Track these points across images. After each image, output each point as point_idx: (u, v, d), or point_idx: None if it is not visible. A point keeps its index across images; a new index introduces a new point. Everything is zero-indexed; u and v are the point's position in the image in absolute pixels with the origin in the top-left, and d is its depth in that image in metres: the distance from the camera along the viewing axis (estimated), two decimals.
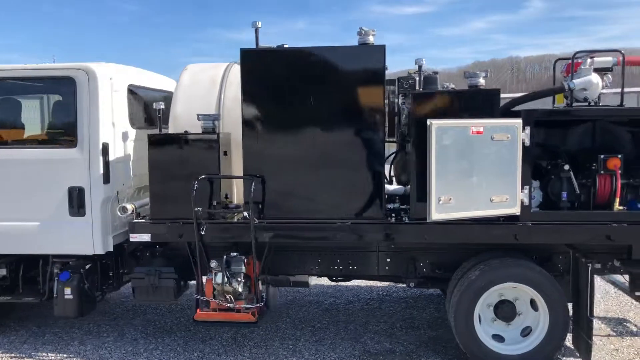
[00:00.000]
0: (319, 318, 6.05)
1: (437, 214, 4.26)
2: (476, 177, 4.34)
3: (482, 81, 4.70)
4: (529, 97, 4.92)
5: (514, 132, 4.38)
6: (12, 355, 5.15)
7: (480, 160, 4.33)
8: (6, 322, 5.80)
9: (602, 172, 4.61)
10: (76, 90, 4.98)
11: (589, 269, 4.45)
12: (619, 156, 4.60)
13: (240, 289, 4.82)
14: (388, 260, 5.15)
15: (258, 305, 4.87)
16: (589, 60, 4.81)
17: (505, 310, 4.81)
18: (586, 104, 4.82)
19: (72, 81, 4.99)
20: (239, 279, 4.81)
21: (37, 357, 5.11)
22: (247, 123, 4.72)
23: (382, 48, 4.58)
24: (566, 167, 4.66)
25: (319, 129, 4.67)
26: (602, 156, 4.62)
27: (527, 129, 4.44)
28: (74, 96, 4.99)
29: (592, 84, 4.73)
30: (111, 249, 5.11)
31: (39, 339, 5.52)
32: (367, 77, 4.61)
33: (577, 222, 4.56)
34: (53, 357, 5.11)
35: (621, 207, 4.54)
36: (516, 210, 4.47)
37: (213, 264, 4.80)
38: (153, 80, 5.85)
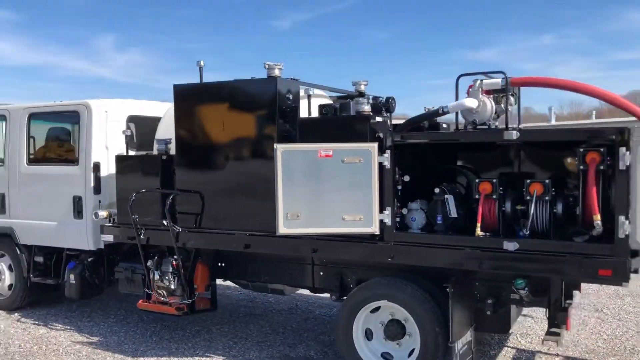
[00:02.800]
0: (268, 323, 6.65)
1: (284, 228, 4.70)
2: (326, 197, 4.66)
3: (366, 108, 4.96)
4: (417, 119, 5.03)
5: (368, 155, 4.60)
6: (69, 327, 6.70)
7: (330, 181, 4.64)
8: (62, 300, 7.43)
9: (476, 196, 4.54)
10: (79, 120, 6.45)
11: (449, 292, 4.45)
12: (494, 180, 4.49)
13: (172, 286, 5.73)
14: (321, 273, 5.53)
15: (184, 302, 5.71)
16: (477, 82, 4.76)
17: (390, 329, 4.95)
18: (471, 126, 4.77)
19: (77, 114, 6.47)
20: (168, 278, 5.72)
21: (75, 327, 6.63)
22: (178, 147, 5.64)
23: (273, 80, 5.14)
24: (436, 190, 4.69)
25: (230, 153, 5.37)
26: (477, 180, 4.56)
27: (387, 152, 4.61)
28: (78, 125, 6.47)
29: (472, 107, 4.67)
30: (102, 247, 6.41)
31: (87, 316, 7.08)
32: (261, 107, 5.20)
33: (430, 245, 4.56)
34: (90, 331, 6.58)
35: (481, 233, 4.41)
36: (373, 229, 4.65)
37: (149, 263, 5.80)
38: (154, 109, 7.03)
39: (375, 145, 4.61)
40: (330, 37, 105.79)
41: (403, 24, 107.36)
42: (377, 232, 4.67)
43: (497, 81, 4.73)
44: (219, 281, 6.92)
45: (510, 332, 5.63)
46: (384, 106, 5.95)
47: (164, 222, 5.55)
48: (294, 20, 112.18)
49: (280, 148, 4.67)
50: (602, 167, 4.04)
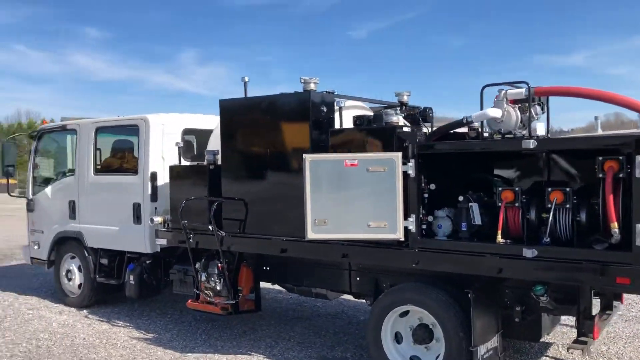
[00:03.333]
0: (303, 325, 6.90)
1: (313, 233, 4.97)
2: (352, 204, 4.89)
3: (394, 118, 5.18)
4: (443, 129, 5.18)
5: (392, 164, 4.80)
6: (128, 324, 7.29)
7: (356, 189, 4.88)
8: (127, 301, 8.04)
9: (499, 204, 4.64)
10: (139, 133, 7.02)
11: (470, 298, 4.58)
12: (516, 189, 4.57)
13: (218, 287, 6.13)
14: (358, 278, 5.77)
15: (229, 302, 6.09)
16: (502, 92, 4.86)
17: (417, 334, 5.11)
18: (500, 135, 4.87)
19: (137, 127, 7.05)
20: (214, 279, 6.12)
21: (133, 325, 7.20)
22: (223, 157, 6.04)
23: (307, 93, 5.44)
24: (460, 198, 4.81)
25: (269, 163, 5.71)
26: (500, 188, 4.66)
27: (412, 161, 4.80)
28: (137, 137, 7.04)
29: (496, 117, 4.78)
30: (158, 250, 6.92)
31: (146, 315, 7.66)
32: (296, 119, 5.51)
33: (452, 252, 4.69)
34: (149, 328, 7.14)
35: (502, 240, 4.50)
36: (398, 236, 4.83)
37: (197, 265, 6.23)
38: (208, 122, 7.49)
39: (399, 154, 4.80)
40: (405, 44, 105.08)
41: (480, 30, 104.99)
42: (402, 239, 4.84)
43: (521, 91, 4.81)
44: (269, 285, 7.32)
45: (548, 340, 5.63)
46: (421, 116, 6.16)
47: (209, 227, 5.96)
48: (370, 29, 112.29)
49: (308, 158, 4.95)
50: (621, 176, 4.06)
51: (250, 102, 5.86)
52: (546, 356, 5.78)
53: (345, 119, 5.62)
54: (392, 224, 4.83)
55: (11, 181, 10.98)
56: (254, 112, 5.82)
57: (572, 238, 4.37)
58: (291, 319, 7.33)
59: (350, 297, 6.53)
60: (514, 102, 4.89)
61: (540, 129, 4.69)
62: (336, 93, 5.77)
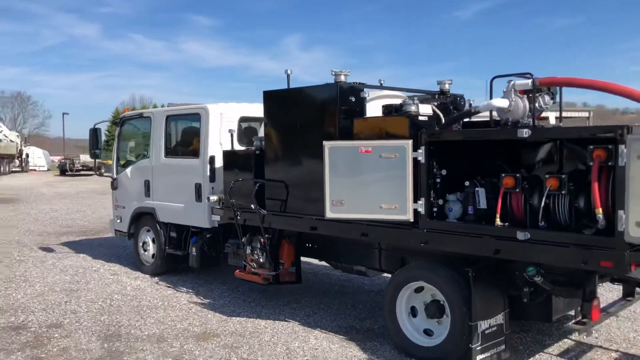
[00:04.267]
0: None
1: (331, 213, 5.49)
2: (366, 187, 5.36)
3: (413, 108, 5.55)
4: (453, 118, 5.49)
5: (403, 151, 5.20)
6: (190, 291, 8.25)
7: (370, 173, 5.34)
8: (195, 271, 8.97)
9: (502, 189, 4.92)
10: (200, 121, 7.83)
11: (470, 276, 4.94)
12: (517, 175, 4.84)
13: (261, 260, 6.82)
14: (386, 256, 6.25)
15: (270, 274, 6.77)
16: (510, 83, 5.10)
17: (429, 309, 5.50)
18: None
19: (199, 115, 7.86)
20: (257, 252, 6.81)
21: (197, 294, 8.12)
22: (266, 143, 6.69)
23: (335, 85, 5.93)
24: (466, 183, 5.14)
25: (302, 149, 6.28)
26: (502, 175, 4.94)
27: (422, 149, 5.18)
28: (199, 125, 7.86)
29: (502, 107, 5.03)
30: (215, 225, 7.73)
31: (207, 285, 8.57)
32: (326, 109, 6.02)
33: (455, 233, 5.03)
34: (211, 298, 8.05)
35: (500, 223, 4.79)
36: (407, 217, 5.24)
37: (243, 239, 6.94)
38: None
39: (410, 142, 5.19)
40: (510, 25, 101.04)
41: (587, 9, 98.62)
42: (411, 220, 5.25)
43: (528, 82, 5.02)
44: (322, 263, 7.92)
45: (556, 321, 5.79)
46: (452, 105, 6.46)
47: (252, 206, 6.64)
48: (475, 10, 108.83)
49: (327, 145, 5.47)
50: (610, 164, 4.23)
51: (287, 93, 6.43)
52: (568, 338, 5.95)
53: (378, 109, 6.04)
54: (402, 206, 5.25)
55: (109, 162, 12.36)
56: (290, 102, 6.41)
57: (568, 223, 4.60)
58: (335, 293, 7.90)
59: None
60: (523, 92, 5.11)
61: (552, 118, 4.91)
62: (366, 84, 6.22)
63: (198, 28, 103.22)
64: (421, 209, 5.22)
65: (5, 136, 45.12)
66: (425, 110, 5.81)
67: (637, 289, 5.63)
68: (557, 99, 5.28)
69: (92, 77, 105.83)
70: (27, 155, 49.56)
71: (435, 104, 6.28)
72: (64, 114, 66.65)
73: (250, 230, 7.02)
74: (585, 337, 4.99)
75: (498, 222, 4.81)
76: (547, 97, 5.11)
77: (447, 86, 6.83)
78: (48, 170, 50.73)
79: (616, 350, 5.61)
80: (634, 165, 3.97)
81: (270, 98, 6.61)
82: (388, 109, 5.93)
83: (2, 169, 41.27)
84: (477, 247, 4.94)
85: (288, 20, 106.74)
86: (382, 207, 5.33)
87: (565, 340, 5.92)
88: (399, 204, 5.26)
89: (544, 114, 5.56)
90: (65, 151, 57.01)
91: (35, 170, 49.57)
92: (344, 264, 6.88)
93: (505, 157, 5.37)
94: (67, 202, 20.77)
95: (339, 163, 5.46)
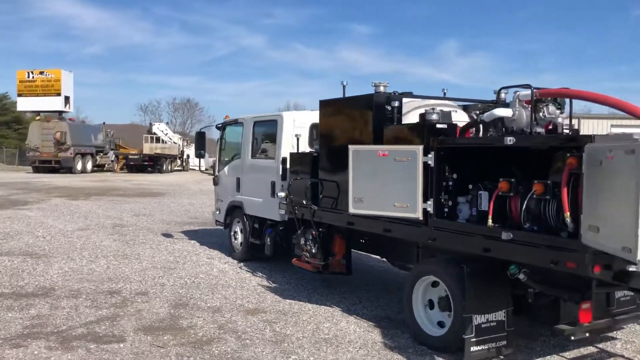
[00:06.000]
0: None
1: (353, 209, 6.18)
2: (382, 186, 5.97)
3: (434, 117, 6.05)
4: (465, 127, 5.89)
5: (414, 155, 5.75)
6: (263, 275, 9.36)
7: (386, 174, 5.94)
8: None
9: (499, 193, 5.30)
10: (276, 127, 8.89)
11: (465, 271, 5.38)
12: (512, 180, 5.20)
13: (313, 250, 7.65)
14: (422, 253, 6.78)
15: (320, 263, 7.57)
16: (516, 94, 5.45)
17: (441, 302, 5.97)
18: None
19: (276, 122, 8.93)
20: (309, 244, 7.65)
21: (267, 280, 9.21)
22: (320, 146, 7.52)
23: (371, 96, 6.60)
24: (470, 186, 5.56)
25: (345, 152, 6.99)
26: (500, 179, 5.32)
27: (432, 153, 5.70)
28: (276, 130, 8.92)
29: (506, 116, 5.40)
30: (285, 218, 8.71)
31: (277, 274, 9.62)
32: (365, 116, 6.71)
33: (455, 232, 5.47)
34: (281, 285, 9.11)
35: (492, 224, 5.17)
36: (417, 215, 5.77)
37: (299, 231, 7.82)
38: None
39: (421, 147, 5.73)
40: None
41: None
42: (421, 218, 5.78)
43: (528, 92, 5.34)
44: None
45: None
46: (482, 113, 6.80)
47: (304, 202, 7.51)
48: None
49: (351, 148, 6.18)
50: (581, 171, 4.49)
51: (336, 102, 7.23)
52: (594, 345, 6.03)
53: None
54: (413, 205, 5.80)
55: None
56: (337, 110, 7.19)
57: (552, 226, 4.88)
58: (389, 286, 8.48)
59: None
60: (529, 102, 5.42)
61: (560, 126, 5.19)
62: (412, 93, 6.83)
63: (356, 36, 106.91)
64: (430, 209, 5.73)
65: (170, 138, 50.50)
66: (459, 118, 6.27)
67: None
68: (567, 109, 5.49)
69: (258, 84, 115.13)
70: (188, 156, 54.78)
71: (477, 112, 6.70)
72: (225, 117, 72.28)
73: (306, 224, 7.89)
74: (572, 338, 5.12)
75: (490, 223, 5.20)
76: (552, 107, 5.37)
77: (502, 95, 7.15)
78: (206, 170, 55.63)
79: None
80: (587, 172, 4.23)
81: (323, 106, 7.44)
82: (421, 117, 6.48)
83: (165, 167, 46.23)
84: (471, 245, 5.36)
85: (445, 25, 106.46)
86: (396, 206, 5.91)
87: (589, 347, 6.01)
88: (410, 203, 5.81)
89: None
90: None
91: (194, 169, 54.66)
92: (389, 259, 7.48)
93: (514, 163, 5.68)
94: (205, 197, 23.11)
95: (360, 165, 6.14)
